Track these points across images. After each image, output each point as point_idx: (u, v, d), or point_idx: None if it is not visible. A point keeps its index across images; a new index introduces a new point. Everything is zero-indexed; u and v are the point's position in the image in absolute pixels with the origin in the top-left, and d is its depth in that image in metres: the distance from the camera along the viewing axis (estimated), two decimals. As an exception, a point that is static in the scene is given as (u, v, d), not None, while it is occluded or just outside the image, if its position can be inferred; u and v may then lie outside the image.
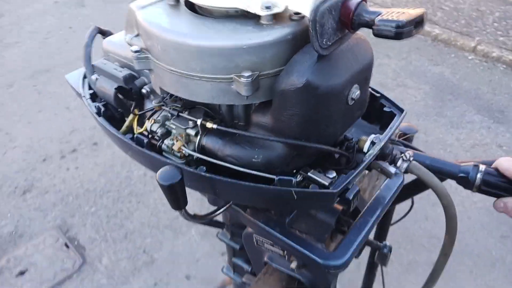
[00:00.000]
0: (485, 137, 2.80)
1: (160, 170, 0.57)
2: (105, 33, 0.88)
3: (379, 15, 0.51)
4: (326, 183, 0.60)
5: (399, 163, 0.70)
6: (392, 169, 0.70)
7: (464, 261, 2.14)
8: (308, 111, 0.57)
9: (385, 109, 0.74)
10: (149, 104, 0.75)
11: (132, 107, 0.74)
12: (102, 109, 0.76)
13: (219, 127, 0.63)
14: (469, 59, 3.50)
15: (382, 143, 0.64)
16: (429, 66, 3.47)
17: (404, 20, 0.47)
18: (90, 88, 0.85)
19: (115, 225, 2.39)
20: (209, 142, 0.66)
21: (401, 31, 0.48)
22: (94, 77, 0.79)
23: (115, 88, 0.71)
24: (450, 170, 0.78)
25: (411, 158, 0.70)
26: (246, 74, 0.56)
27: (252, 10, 0.57)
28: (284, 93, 0.56)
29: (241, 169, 0.62)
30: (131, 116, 0.75)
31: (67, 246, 2.26)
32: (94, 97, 0.84)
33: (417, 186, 0.93)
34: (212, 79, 0.58)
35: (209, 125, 0.64)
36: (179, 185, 0.57)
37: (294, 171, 0.65)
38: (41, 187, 2.60)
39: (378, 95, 0.75)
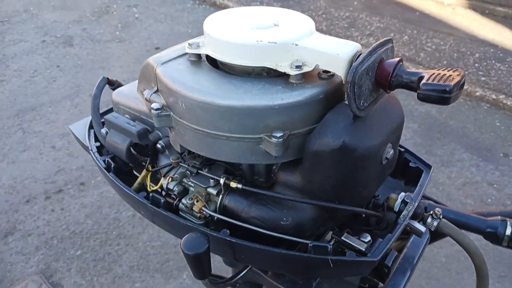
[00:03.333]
0: (475, 175, 2.82)
1: (185, 237, 0.53)
2: (113, 84, 0.85)
3: (421, 77, 0.49)
4: (363, 249, 0.56)
5: (428, 220, 0.68)
6: (421, 228, 0.67)
7: (467, 304, 2.09)
8: (344, 173, 0.54)
9: (411, 164, 0.72)
10: (164, 160, 0.71)
11: (147, 163, 0.70)
12: (112, 164, 0.72)
13: (245, 187, 0.60)
14: (454, 98, 3.58)
15: (416, 203, 0.61)
16: (415, 105, 3.54)
17: (452, 85, 0.45)
18: (96, 140, 0.81)
19: (102, 269, 2.27)
20: (232, 202, 0.62)
21: (449, 96, 0.46)
22: (104, 130, 0.75)
23: (131, 145, 0.67)
24: (477, 226, 0.76)
25: (441, 216, 0.68)
26: (278, 134, 0.54)
27: (282, 69, 0.56)
28: (318, 154, 0.54)
29: (271, 233, 0.58)
30: (144, 172, 0.71)
31: (50, 293, 2.13)
32: (100, 149, 0.80)
33: (432, 237, 0.90)
34: (240, 139, 0.55)
35: (233, 184, 0.60)
36: (205, 253, 0.52)
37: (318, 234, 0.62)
38: (23, 229, 2.48)
39: (402, 149, 0.73)
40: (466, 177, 2.81)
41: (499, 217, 0.76)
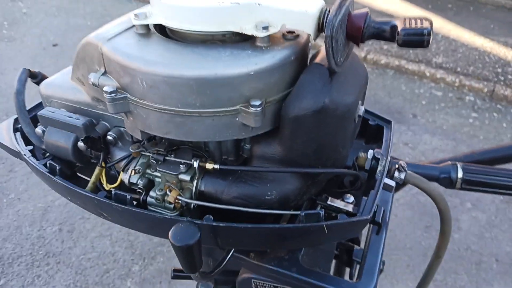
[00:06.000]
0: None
1: (173, 229, 0.47)
2: (36, 76, 0.73)
3: (393, 25, 0.49)
4: (350, 210, 0.55)
5: (396, 174, 0.69)
6: (391, 182, 0.68)
7: (400, 256, 2.26)
8: (326, 135, 0.52)
9: (370, 122, 0.73)
10: (118, 153, 0.63)
11: (101, 159, 0.61)
12: (57, 166, 0.62)
13: (223, 167, 0.55)
14: (362, 68, 3.81)
15: (389, 158, 0.62)
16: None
17: (429, 27, 0.46)
18: (26, 143, 0.70)
19: (34, 295, 2.06)
20: (209, 185, 0.57)
21: (428, 38, 0.46)
22: (39, 129, 0.64)
23: (83, 139, 0.58)
24: (431, 173, 0.79)
25: (407, 168, 0.70)
26: (257, 102, 0.50)
27: (247, 32, 0.51)
28: (298, 118, 0.51)
29: (258, 211, 0.54)
30: (97, 169, 0.62)
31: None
32: (33, 153, 0.69)
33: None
34: (214, 114, 0.51)
35: (209, 166, 0.55)
36: (198, 244, 0.47)
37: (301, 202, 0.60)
38: None
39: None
40: (384, 140, 3.01)
41: (449, 162, 0.81)
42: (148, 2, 0.55)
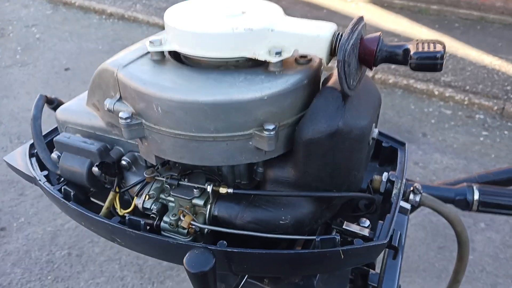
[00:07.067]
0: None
1: (188, 255, 0.46)
2: (52, 102, 0.74)
3: (406, 49, 0.49)
4: (367, 234, 0.54)
5: (411, 197, 0.68)
6: (406, 205, 0.68)
7: (414, 279, 2.21)
8: (341, 158, 0.52)
9: (383, 144, 0.72)
10: (132, 177, 0.63)
11: (115, 184, 0.62)
12: (72, 192, 0.62)
13: (237, 191, 0.55)
14: (370, 87, 3.82)
15: (404, 181, 0.61)
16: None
17: (442, 51, 0.46)
18: (42, 168, 0.70)
19: (42, 321, 2.04)
20: (222, 210, 0.57)
21: (442, 62, 0.46)
22: (55, 155, 0.65)
23: (97, 165, 0.58)
24: (447, 195, 0.78)
25: (422, 190, 0.69)
26: (270, 126, 0.50)
27: (261, 58, 0.52)
28: (312, 142, 0.51)
29: (272, 236, 0.53)
30: (111, 194, 0.62)
31: None
32: (48, 178, 0.69)
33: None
34: (228, 138, 0.51)
35: (223, 190, 0.55)
36: (213, 270, 0.46)
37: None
38: None
39: (374, 130, 0.73)
40: (393, 159, 2.98)
41: (465, 184, 0.80)
42: (156, 26, 0.56)
